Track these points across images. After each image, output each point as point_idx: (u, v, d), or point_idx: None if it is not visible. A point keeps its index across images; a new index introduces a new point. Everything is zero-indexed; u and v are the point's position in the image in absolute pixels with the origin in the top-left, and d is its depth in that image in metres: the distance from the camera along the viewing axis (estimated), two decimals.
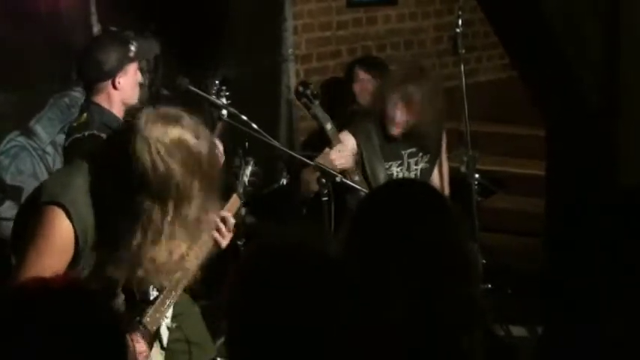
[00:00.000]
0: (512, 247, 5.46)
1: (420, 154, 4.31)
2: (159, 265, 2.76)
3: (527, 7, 3.34)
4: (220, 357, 3.77)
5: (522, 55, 3.59)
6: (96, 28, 5.10)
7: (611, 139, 3.45)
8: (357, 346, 1.79)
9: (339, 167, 4.06)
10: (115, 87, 3.73)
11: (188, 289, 3.58)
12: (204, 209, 2.76)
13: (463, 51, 4.25)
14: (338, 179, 3.93)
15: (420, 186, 2.31)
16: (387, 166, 4.33)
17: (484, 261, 4.35)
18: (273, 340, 1.74)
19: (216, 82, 4.14)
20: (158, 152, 2.63)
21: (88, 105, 3.78)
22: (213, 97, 4.17)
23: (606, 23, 3.33)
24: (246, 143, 3.83)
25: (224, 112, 3.89)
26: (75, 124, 3.80)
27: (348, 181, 3.95)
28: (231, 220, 3.22)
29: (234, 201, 3.50)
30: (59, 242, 2.73)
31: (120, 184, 2.69)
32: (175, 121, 2.69)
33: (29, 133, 4.93)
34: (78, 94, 5.06)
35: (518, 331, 4.80)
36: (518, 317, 4.80)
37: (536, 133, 4.37)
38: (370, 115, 4.38)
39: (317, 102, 4.19)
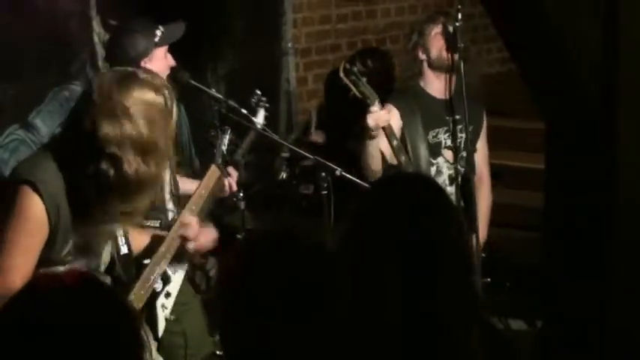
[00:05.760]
0: (512, 241, 5.47)
1: (464, 122, 4.28)
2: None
3: (527, 6, 3.34)
4: (220, 351, 3.78)
5: (522, 53, 3.60)
6: (95, 21, 5.09)
7: (610, 134, 3.45)
8: (354, 344, 1.79)
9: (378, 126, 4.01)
10: None
11: (189, 283, 3.59)
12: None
13: (462, 45, 4.24)
14: (337, 173, 3.92)
15: (421, 182, 2.30)
16: (435, 133, 4.30)
17: (483, 255, 4.35)
18: (263, 330, 1.75)
19: (257, 91, 4.03)
20: (123, 113, 2.71)
21: None
22: (212, 91, 4.16)
23: (606, 23, 3.33)
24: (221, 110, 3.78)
25: (258, 123, 3.85)
26: None
27: (348, 175, 3.94)
28: (194, 227, 3.23)
29: (213, 171, 3.50)
30: (32, 219, 2.79)
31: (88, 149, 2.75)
32: (132, 80, 2.78)
33: (29, 127, 4.92)
34: (78, 87, 5.05)
35: (517, 325, 4.81)
36: (517, 311, 4.81)
37: (536, 127, 4.37)
38: (410, 89, 4.39)
39: (364, 80, 4.11)
